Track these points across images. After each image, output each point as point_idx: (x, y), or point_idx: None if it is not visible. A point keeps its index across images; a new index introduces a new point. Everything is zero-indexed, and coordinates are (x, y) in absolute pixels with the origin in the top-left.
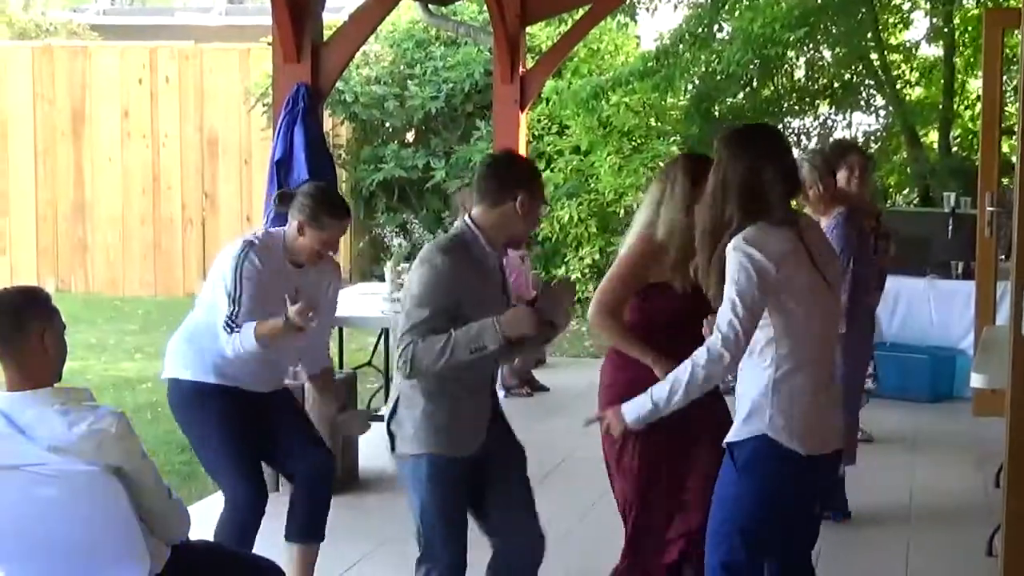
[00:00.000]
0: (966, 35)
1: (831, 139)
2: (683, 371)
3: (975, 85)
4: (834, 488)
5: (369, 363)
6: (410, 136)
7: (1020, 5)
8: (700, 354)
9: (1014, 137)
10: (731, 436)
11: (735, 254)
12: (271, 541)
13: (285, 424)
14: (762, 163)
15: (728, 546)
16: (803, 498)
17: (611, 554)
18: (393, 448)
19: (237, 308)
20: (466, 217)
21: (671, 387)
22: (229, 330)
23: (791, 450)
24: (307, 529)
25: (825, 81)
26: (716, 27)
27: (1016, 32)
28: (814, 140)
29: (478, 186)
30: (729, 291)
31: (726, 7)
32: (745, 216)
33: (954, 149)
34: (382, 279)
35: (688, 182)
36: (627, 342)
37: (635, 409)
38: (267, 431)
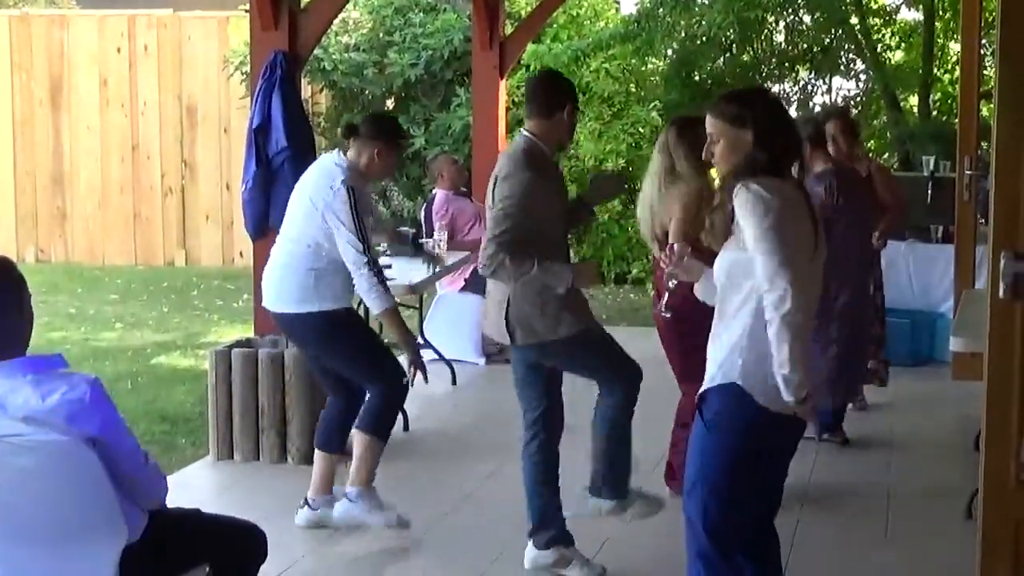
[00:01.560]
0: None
1: (811, 104)
2: (771, 331)
3: (955, 49)
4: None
5: None
6: (390, 103)
7: None
8: (770, 314)
9: (993, 101)
10: (703, 386)
11: (749, 196)
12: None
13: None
14: (786, 125)
15: (703, 508)
16: (771, 457)
17: (604, 521)
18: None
19: (366, 244)
20: (524, 131)
21: (781, 357)
22: (366, 256)
23: (759, 404)
24: (336, 441)
25: (805, 46)
26: None
27: None
28: (794, 105)
29: (534, 100)
30: (752, 226)
31: None
32: (758, 171)
33: (934, 113)
34: None
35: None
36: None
37: (785, 391)
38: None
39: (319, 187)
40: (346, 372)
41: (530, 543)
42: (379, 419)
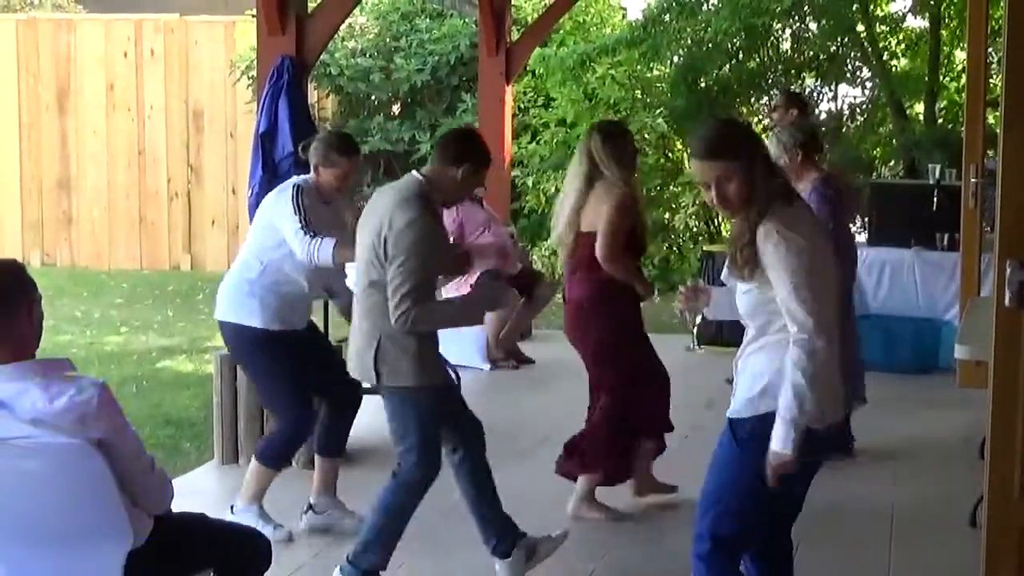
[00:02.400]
0: (952, 7)
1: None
2: (789, 379)
3: (961, 57)
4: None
5: None
6: (396, 109)
7: None
8: (794, 357)
9: (999, 109)
10: (739, 411)
11: (779, 241)
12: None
13: (320, 356)
14: (764, 152)
15: (722, 521)
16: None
17: (599, 526)
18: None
19: (307, 219)
20: (417, 172)
21: (791, 399)
22: (305, 232)
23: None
24: (334, 446)
25: (811, 53)
26: None
27: (1001, 3)
28: None
29: (439, 146)
30: (785, 279)
31: None
32: (767, 207)
33: (939, 121)
34: None
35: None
36: (629, 274)
37: (780, 439)
38: (306, 364)
39: (275, 200)
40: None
41: (496, 561)
42: (271, 447)
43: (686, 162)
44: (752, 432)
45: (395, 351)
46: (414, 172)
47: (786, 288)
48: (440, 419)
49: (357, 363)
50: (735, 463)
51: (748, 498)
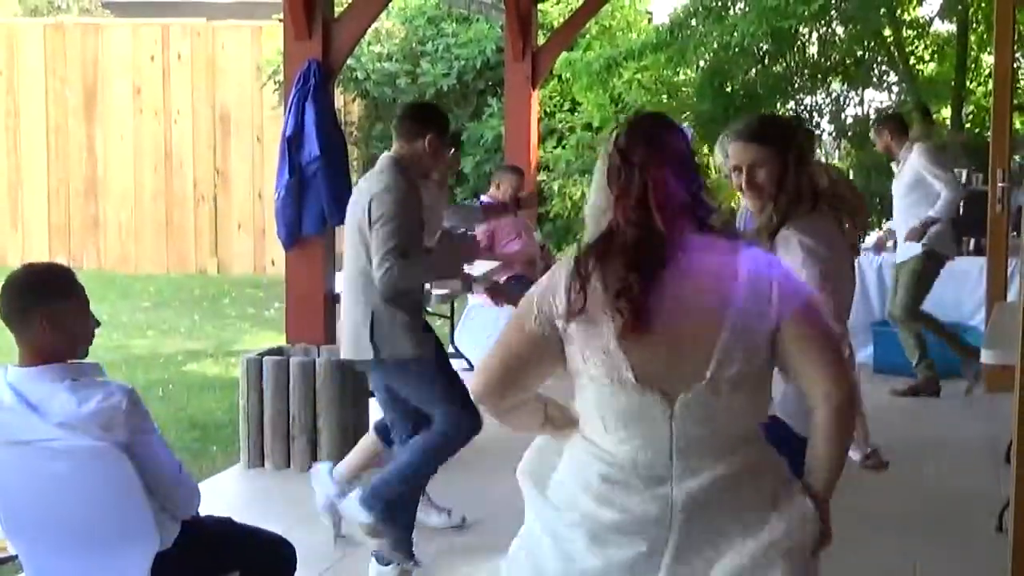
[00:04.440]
0: (979, 11)
1: (843, 115)
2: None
3: (988, 61)
4: None
5: None
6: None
7: None
8: None
9: None
10: None
11: (799, 248)
12: (307, 529)
13: None
14: (801, 153)
15: None
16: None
17: None
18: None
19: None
20: (388, 153)
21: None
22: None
23: (797, 435)
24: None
25: (838, 57)
26: (730, 1)
27: None
28: (826, 117)
29: (396, 124)
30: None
31: None
32: (794, 204)
33: (967, 125)
34: None
35: None
36: None
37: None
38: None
39: None
40: None
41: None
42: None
43: (712, 167)
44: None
45: (388, 323)
46: (385, 152)
47: None
48: (452, 379)
49: (352, 343)
50: None
51: None
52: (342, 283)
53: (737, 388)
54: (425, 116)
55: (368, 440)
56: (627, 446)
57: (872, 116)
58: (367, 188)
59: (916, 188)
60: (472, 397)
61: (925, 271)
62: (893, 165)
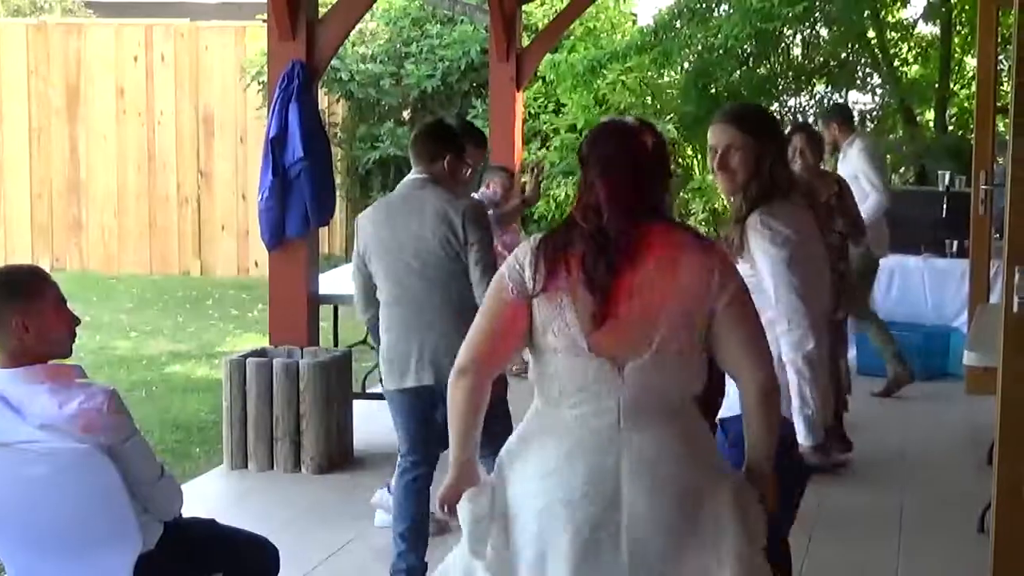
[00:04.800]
0: (963, 14)
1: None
2: (791, 372)
3: (971, 64)
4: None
5: (364, 341)
6: (406, 114)
7: None
8: (791, 354)
9: (1009, 116)
10: (726, 411)
11: (766, 230)
12: (291, 531)
13: None
14: (781, 145)
15: None
16: (797, 478)
17: None
18: None
19: None
20: (418, 173)
21: (803, 397)
22: None
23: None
24: None
25: (822, 59)
26: (714, 3)
27: (1012, 11)
28: (810, 119)
29: (412, 149)
30: (768, 268)
31: None
32: (766, 194)
33: (950, 128)
34: None
35: None
36: None
37: (808, 435)
38: None
39: None
40: None
41: None
42: None
43: (696, 168)
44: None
45: None
46: (416, 175)
47: (771, 278)
48: None
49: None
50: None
51: None
52: (404, 308)
53: (678, 360)
54: (441, 138)
55: None
56: (579, 410)
57: (856, 118)
58: (433, 205)
59: (853, 184)
60: (457, 369)
61: (861, 271)
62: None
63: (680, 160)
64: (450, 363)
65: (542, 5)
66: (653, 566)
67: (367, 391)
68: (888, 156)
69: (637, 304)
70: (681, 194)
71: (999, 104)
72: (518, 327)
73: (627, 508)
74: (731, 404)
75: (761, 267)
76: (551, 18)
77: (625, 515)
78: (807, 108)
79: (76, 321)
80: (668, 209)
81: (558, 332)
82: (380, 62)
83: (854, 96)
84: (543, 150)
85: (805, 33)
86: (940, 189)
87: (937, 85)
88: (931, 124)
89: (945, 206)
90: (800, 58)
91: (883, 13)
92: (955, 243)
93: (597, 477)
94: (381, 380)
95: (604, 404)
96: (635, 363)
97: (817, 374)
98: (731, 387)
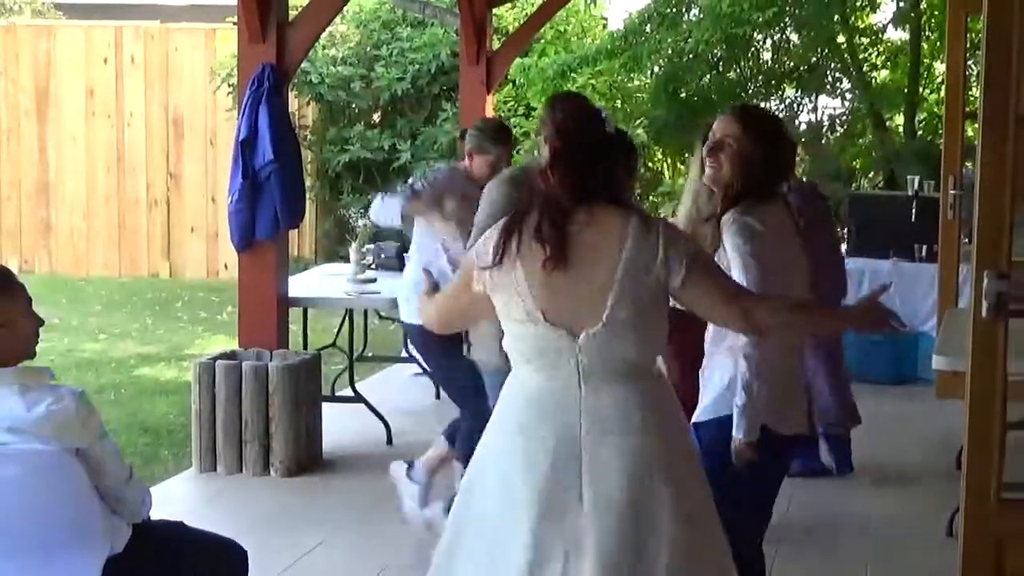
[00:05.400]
0: (932, 19)
1: (796, 121)
2: (743, 372)
3: (940, 69)
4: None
5: (333, 344)
6: (376, 117)
7: None
8: (748, 350)
9: (977, 121)
10: (698, 416)
11: (733, 224)
12: (259, 534)
13: None
14: (780, 144)
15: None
16: (766, 481)
17: None
18: None
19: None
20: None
21: (740, 381)
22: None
23: (773, 432)
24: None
25: (792, 64)
26: (684, 8)
27: (980, 17)
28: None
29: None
30: (735, 261)
31: None
32: (747, 195)
33: (919, 133)
34: (347, 260)
35: None
36: None
37: (739, 426)
38: None
39: None
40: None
41: None
42: (464, 443)
43: (666, 172)
44: (715, 436)
45: None
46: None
47: (734, 268)
48: None
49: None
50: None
51: (727, 511)
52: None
53: (629, 327)
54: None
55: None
56: (543, 374)
57: (826, 122)
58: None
59: None
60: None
61: None
62: None
63: (650, 163)
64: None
65: (512, 8)
66: (612, 524)
67: (336, 394)
68: (857, 160)
69: (579, 274)
70: (651, 198)
71: (968, 109)
72: (478, 302)
73: (587, 466)
74: (705, 408)
75: (730, 260)
76: (521, 22)
77: (586, 473)
78: (777, 112)
79: (40, 322)
80: (629, 200)
81: (514, 302)
82: (350, 65)
83: (824, 100)
84: (514, 154)
85: (775, 38)
86: (909, 194)
87: (906, 90)
88: (900, 129)
89: (914, 210)
90: (770, 63)
91: (853, 18)
92: (924, 247)
93: (560, 435)
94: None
95: (564, 369)
96: (588, 331)
97: (760, 370)
98: (706, 391)
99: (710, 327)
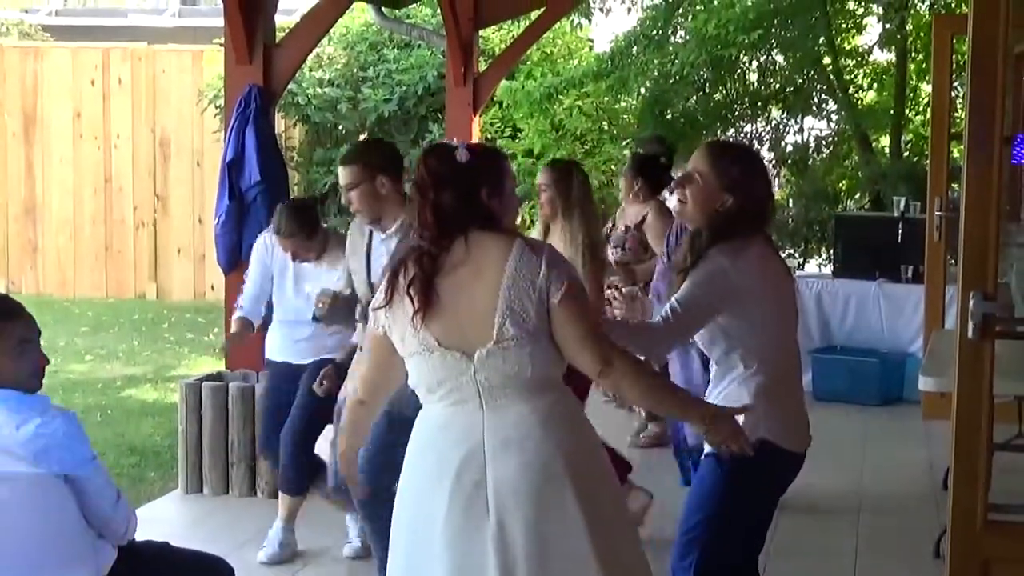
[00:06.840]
0: (918, 41)
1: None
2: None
3: (926, 90)
4: None
5: None
6: (363, 139)
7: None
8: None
9: (963, 142)
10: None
11: (707, 257)
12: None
13: None
14: (751, 189)
15: (703, 550)
16: (766, 499)
17: None
18: None
19: None
20: None
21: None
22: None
23: (785, 449)
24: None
25: (777, 85)
26: (671, 30)
27: (965, 39)
28: (766, 145)
29: None
30: (690, 281)
31: (680, 10)
32: (721, 237)
33: (905, 154)
34: None
35: None
36: None
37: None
38: None
39: None
40: None
41: None
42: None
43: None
44: (743, 460)
45: None
46: None
47: (689, 282)
48: None
49: None
50: (717, 497)
51: (733, 531)
52: None
53: (520, 345)
54: None
55: None
56: (446, 401)
57: (812, 144)
58: None
59: None
60: (355, 402)
61: None
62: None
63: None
64: None
65: (499, 30)
66: (516, 539)
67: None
68: (843, 181)
69: (464, 301)
70: None
71: (953, 130)
72: (393, 355)
73: (492, 484)
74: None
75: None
76: (508, 43)
77: (491, 491)
78: (763, 134)
79: (46, 361)
80: (510, 215)
81: (409, 334)
82: (337, 86)
83: (810, 122)
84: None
85: (761, 59)
86: (895, 215)
87: (892, 111)
88: (886, 150)
89: (900, 232)
90: (756, 84)
91: (839, 40)
92: (910, 268)
93: (466, 457)
94: None
95: (466, 391)
96: (481, 352)
97: (775, 389)
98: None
99: (712, 366)
